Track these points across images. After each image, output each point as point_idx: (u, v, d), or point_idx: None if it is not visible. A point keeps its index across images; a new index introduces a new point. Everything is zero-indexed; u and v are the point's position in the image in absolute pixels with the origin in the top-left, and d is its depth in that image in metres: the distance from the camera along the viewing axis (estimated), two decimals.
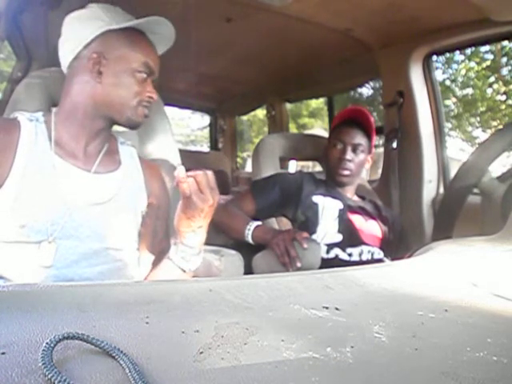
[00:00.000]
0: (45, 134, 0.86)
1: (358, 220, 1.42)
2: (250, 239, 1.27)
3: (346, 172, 1.45)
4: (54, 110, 0.91)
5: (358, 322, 0.44)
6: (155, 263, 0.90)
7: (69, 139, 0.88)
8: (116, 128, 0.95)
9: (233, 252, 1.06)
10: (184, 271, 0.82)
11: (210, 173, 0.76)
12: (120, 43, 0.87)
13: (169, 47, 0.96)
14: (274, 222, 1.46)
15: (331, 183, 1.49)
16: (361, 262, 1.33)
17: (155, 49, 0.93)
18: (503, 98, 3.85)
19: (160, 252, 0.93)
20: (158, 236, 0.95)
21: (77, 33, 0.88)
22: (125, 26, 0.87)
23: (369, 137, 1.49)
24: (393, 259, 1.35)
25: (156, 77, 0.92)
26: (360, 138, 1.46)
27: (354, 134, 1.47)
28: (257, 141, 1.98)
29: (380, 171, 2.10)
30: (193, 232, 0.79)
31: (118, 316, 0.39)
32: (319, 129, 6.27)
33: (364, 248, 1.37)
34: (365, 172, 1.88)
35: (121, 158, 0.95)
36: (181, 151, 1.20)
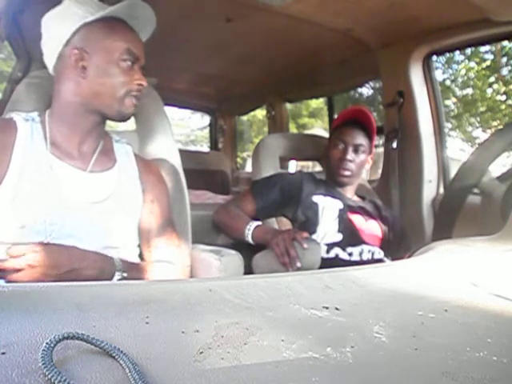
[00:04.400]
0: (41, 134, 0.86)
1: (358, 220, 1.42)
2: (250, 239, 1.27)
3: (347, 172, 1.45)
4: (47, 111, 0.91)
5: (358, 321, 0.44)
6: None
7: (63, 139, 0.87)
8: (116, 128, 0.95)
9: (233, 252, 1.06)
10: None
11: None
12: (99, 34, 0.86)
13: (152, 30, 0.93)
14: (274, 222, 1.46)
15: (331, 183, 1.49)
16: (361, 262, 1.33)
17: (137, 34, 0.90)
18: (503, 98, 3.85)
19: (158, 248, 0.93)
20: (153, 232, 0.95)
21: (55, 32, 0.87)
22: (99, 16, 0.85)
23: (370, 137, 1.49)
24: (393, 259, 1.35)
25: (143, 63, 0.89)
26: (361, 139, 1.46)
27: (355, 134, 1.46)
28: (257, 141, 1.98)
29: (380, 171, 2.10)
30: None
31: (118, 316, 0.39)
32: (319, 129, 6.27)
33: (364, 247, 1.37)
34: (365, 172, 1.88)
35: (116, 156, 0.95)
36: (181, 151, 1.20)
